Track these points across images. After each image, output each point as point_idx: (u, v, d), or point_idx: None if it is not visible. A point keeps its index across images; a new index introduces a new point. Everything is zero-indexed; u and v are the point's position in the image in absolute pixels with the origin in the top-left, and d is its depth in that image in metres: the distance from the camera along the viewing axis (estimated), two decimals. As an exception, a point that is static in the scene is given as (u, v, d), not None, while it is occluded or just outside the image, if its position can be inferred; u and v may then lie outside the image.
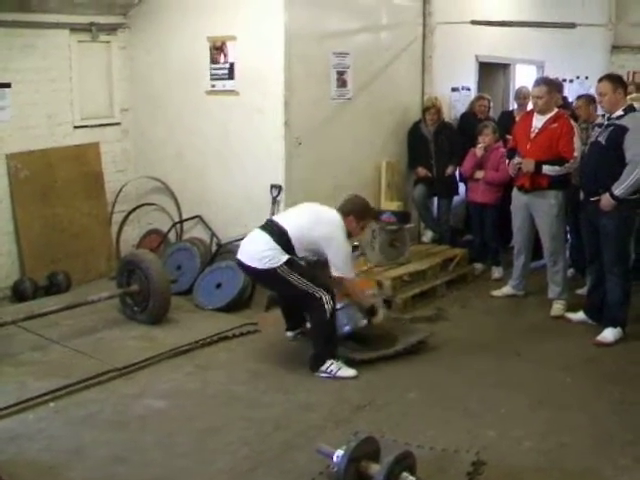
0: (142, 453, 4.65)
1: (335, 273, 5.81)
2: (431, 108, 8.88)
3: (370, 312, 6.11)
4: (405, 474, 3.91)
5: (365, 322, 6.10)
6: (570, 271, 8.12)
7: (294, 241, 5.75)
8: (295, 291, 5.75)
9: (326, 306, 5.65)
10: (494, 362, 6.21)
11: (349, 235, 5.87)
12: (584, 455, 4.71)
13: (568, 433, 4.99)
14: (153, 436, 4.87)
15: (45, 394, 5.33)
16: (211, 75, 7.85)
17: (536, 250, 7.84)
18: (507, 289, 7.92)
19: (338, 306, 5.85)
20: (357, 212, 5.94)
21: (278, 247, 5.71)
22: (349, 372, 5.64)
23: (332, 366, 5.65)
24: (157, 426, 5.01)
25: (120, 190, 8.49)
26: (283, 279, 5.70)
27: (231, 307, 7.26)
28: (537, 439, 4.89)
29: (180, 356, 6.18)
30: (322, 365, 5.68)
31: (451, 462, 4.24)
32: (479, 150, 8.33)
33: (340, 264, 5.79)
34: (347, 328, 6.07)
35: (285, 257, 5.68)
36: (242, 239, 7.60)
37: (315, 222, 5.82)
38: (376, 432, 4.50)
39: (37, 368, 5.81)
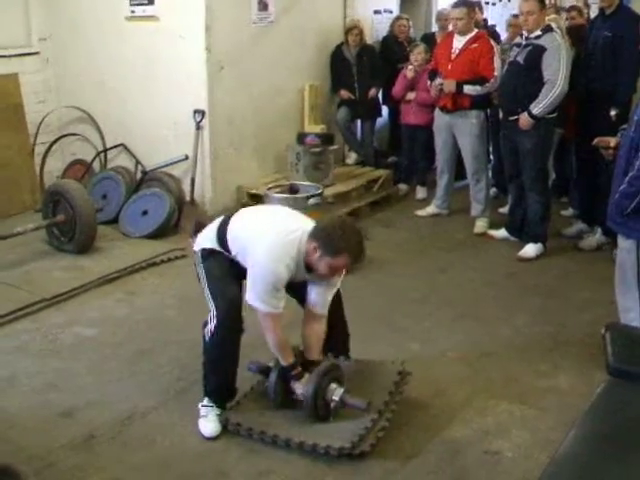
0: (75, 379, 4.70)
1: (248, 299, 4.05)
2: (353, 29, 8.85)
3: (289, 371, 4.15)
4: (334, 385, 4.03)
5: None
6: (492, 190, 8.30)
7: (229, 235, 4.21)
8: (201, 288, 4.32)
9: (209, 325, 4.11)
10: (418, 279, 6.37)
11: (309, 267, 4.01)
12: (507, 364, 4.90)
13: (491, 344, 5.19)
14: (85, 363, 4.91)
15: (-26, 326, 5.30)
16: (130, 1, 7.69)
17: (459, 170, 7.99)
18: (431, 208, 8.05)
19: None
20: (324, 244, 3.87)
21: (214, 233, 4.28)
22: (207, 429, 4.11)
23: (202, 410, 4.19)
24: (88, 353, 5.05)
25: (42, 121, 8.32)
26: (196, 268, 4.35)
27: (158, 234, 7.26)
28: (461, 350, 5.07)
29: (109, 284, 6.20)
30: (202, 399, 4.25)
31: (377, 373, 4.36)
32: (409, 72, 8.29)
33: (253, 291, 4.00)
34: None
35: (208, 244, 4.29)
36: (166, 165, 7.64)
37: (259, 235, 4.04)
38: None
39: (-37, 300, 5.77)
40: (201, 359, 4.20)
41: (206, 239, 4.32)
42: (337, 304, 4.30)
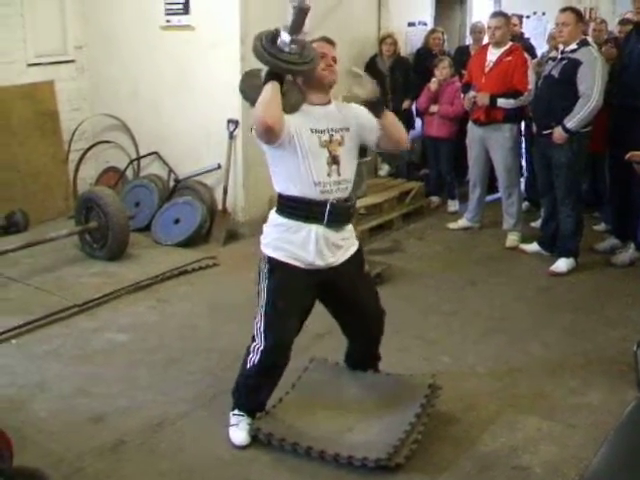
0: (105, 385, 4.72)
1: None
2: (387, 38, 8.90)
3: None
4: None
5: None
6: (525, 204, 8.26)
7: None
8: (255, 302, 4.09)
9: (252, 354, 4.00)
10: (450, 292, 6.35)
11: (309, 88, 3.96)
12: (536, 379, 4.86)
13: (521, 359, 5.15)
14: (115, 369, 4.93)
15: (7, 331, 5.36)
16: (166, 10, 7.74)
17: (491, 183, 7.97)
18: (463, 221, 8.03)
19: None
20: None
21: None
22: (238, 437, 4.08)
23: (233, 418, 4.16)
24: (119, 359, 5.08)
25: (76, 128, 8.39)
26: (259, 273, 4.08)
27: (189, 242, 7.31)
28: (490, 365, 5.04)
29: (140, 291, 6.24)
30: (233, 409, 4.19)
31: (408, 386, 4.35)
32: (433, 84, 8.39)
33: None
34: None
35: (280, 247, 3.95)
36: (199, 174, 7.67)
37: None
38: (333, 360, 4.61)
39: (-2, 306, 5.82)
40: (232, 369, 4.20)
41: (274, 229, 4.02)
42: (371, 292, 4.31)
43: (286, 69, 3.77)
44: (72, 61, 8.44)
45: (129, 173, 8.34)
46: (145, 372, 4.91)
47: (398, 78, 8.86)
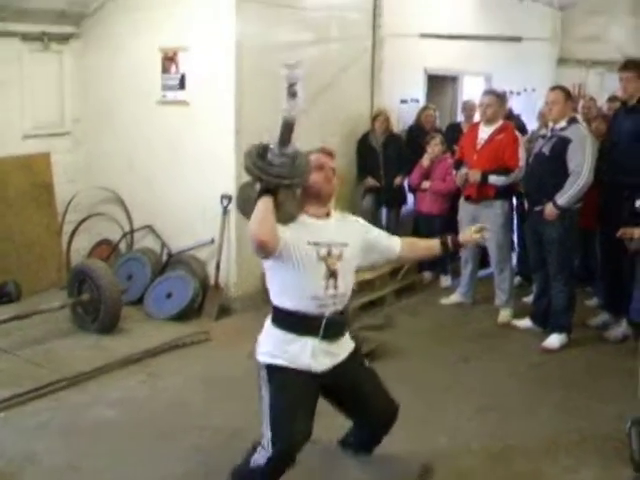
0: (95, 460, 4.66)
1: None
2: (379, 115, 9.00)
3: None
4: None
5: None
6: (517, 279, 8.30)
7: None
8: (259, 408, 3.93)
9: (257, 454, 3.79)
10: (442, 369, 6.33)
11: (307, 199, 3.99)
12: (531, 456, 4.84)
13: (515, 436, 5.12)
14: (105, 444, 4.88)
15: (-4, 403, 5.30)
16: (162, 85, 7.85)
17: (483, 258, 8.00)
18: (455, 297, 8.05)
19: None
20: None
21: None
22: None
23: None
24: (109, 434, 5.02)
25: (71, 200, 8.44)
26: (258, 380, 3.97)
27: (182, 316, 7.29)
28: (485, 442, 5.01)
29: (131, 365, 6.19)
30: None
31: (400, 468, 4.31)
32: (426, 160, 8.50)
33: None
34: None
35: (278, 355, 3.90)
36: (192, 249, 7.68)
37: None
38: (328, 441, 4.55)
39: (-14, 378, 5.77)
40: (224, 447, 4.16)
41: (269, 340, 3.95)
42: (377, 387, 4.20)
43: (276, 183, 3.71)
44: (68, 133, 8.52)
45: (122, 246, 8.36)
46: (135, 447, 4.84)
47: (391, 154, 8.94)
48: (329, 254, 3.87)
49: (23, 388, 5.53)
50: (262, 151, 3.78)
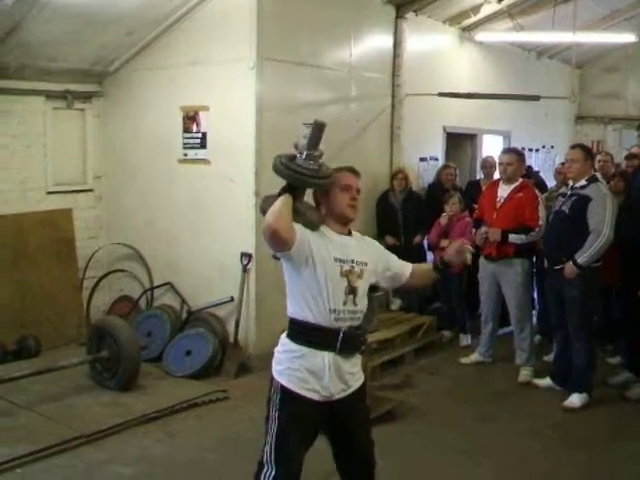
0: (111, 519, 4.65)
1: None
2: (398, 173, 9.10)
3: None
4: None
5: None
6: (537, 337, 8.23)
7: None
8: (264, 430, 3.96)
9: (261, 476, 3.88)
10: (462, 429, 6.25)
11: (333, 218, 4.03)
12: (552, 520, 4.77)
13: (535, 499, 5.05)
14: (121, 502, 4.86)
15: (12, 460, 5.29)
16: (184, 144, 7.96)
17: (503, 317, 7.96)
18: (475, 356, 7.99)
19: None
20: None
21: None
22: None
23: None
24: (125, 493, 5.00)
25: (92, 256, 8.52)
26: (269, 399, 3.98)
27: (200, 374, 7.28)
28: (505, 505, 4.94)
29: (149, 423, 6.17)
30: None
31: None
32: (444, 219, 8.51)
33: None
34: None
35: (294, 378, 3.87)
36: (211, 306, 7.69)
37: None
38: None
39: (4, 434, 5.76)
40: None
41: (285, 356, 3.93)
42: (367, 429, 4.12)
43: (301, 180, 3.77)
44: (91, 190, 8.63)
45: (142, 303, 8.38)
46: (152, 507, 4.82)
47: (410, 213, 8.99)
48: (351, 271, 3.92)
49: (40, 444, 5.51)
50: (292, 155, 3.84)
